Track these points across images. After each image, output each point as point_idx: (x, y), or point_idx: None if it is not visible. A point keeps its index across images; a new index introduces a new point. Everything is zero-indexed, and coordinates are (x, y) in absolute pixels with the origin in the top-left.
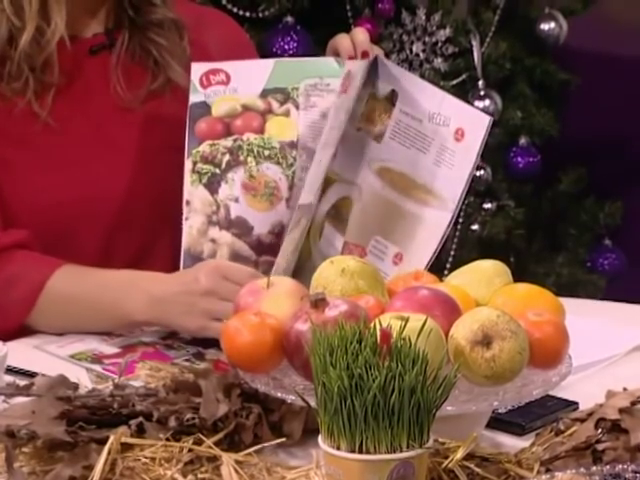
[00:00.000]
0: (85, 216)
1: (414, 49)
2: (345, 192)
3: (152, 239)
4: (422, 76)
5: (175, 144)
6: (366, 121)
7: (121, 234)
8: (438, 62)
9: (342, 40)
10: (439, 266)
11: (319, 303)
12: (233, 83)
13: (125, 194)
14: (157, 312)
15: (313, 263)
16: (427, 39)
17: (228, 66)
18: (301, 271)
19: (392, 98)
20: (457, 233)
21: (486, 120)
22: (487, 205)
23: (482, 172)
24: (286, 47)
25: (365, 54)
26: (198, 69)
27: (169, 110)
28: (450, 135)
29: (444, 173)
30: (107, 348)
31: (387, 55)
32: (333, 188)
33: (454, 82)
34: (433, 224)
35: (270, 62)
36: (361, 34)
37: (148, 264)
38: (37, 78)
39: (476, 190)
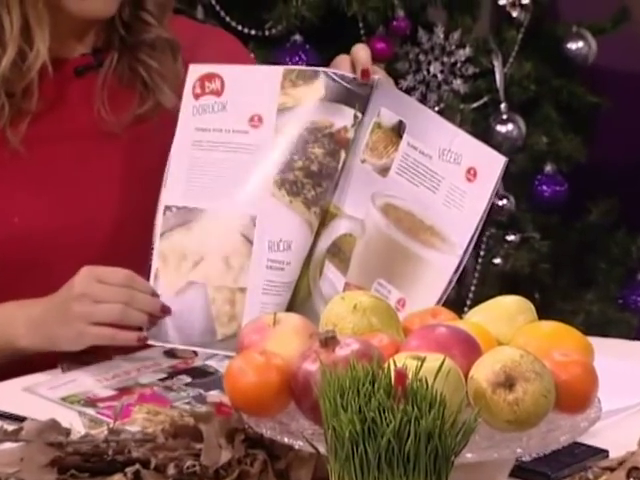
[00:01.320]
0: (62, 247)
1: (432, 69)
2: (347, 228)
3: (135, 271)
4: (440, 98)
5: (161, 172)
6: (370, 153)
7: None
8: (457, 83)
9: (341, 62)
10: (458, 302)
11: (329, 342)
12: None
13: (106, 223)
14: (38, 331)
15: (312, 303)
16: (445, 59)
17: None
18: (300, 311)
19: (399, 129)
20: (478, 267)
21: (501, 161)
22: (510, 237)
23: (505, 202)
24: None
25: (365, 73)
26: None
27: (156, 136)
28: (461, 174)
29: (454, 215)
30: (101, 390)
31: (403, 76)
32: (335, 223)
33: (474, 105)
34: (439, 269)
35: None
36: (362, 51)
37: None
38: (14, 104)
39: (498, 221)
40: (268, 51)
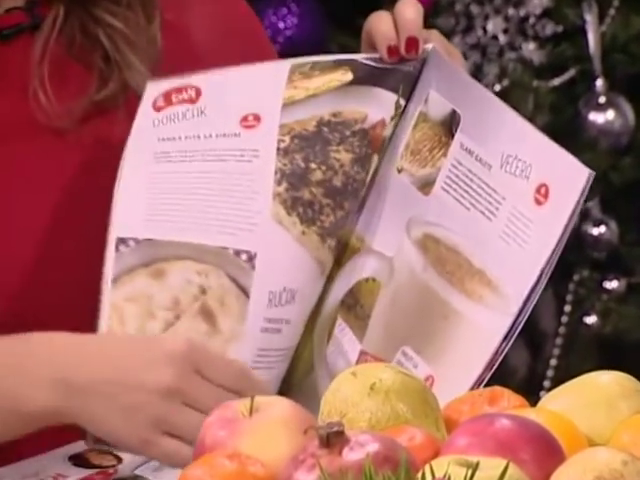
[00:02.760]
0: None
1: (489, 27)
2: (371, 270)
3: (88, 325)
4: (503, 72)
5: None
6: (411, 158)
7: (44, 320)
8: (529, 49)
9: (378, 22)
10: (532, 382)
11: (334, 439)
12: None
13: (48, 264)
14: (70, 405)
15: (315, 379)
16: (511, 11)
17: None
18: (298, 390)
19: (451, 124)
20: (562, 329)
21: (584, 176)
22: (611, 284)
23: (603, 229)
24: (281, 25)
25: (412, 43)
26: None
27: (124, 134)
28: (529, 194)
29: (513, 255)
30: None
31: (446, 37)
32: (355, 262)
33: (556, 82)
34: (483, 334)
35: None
36: (410, 9)
37: None
38: None
39: (593, 259)
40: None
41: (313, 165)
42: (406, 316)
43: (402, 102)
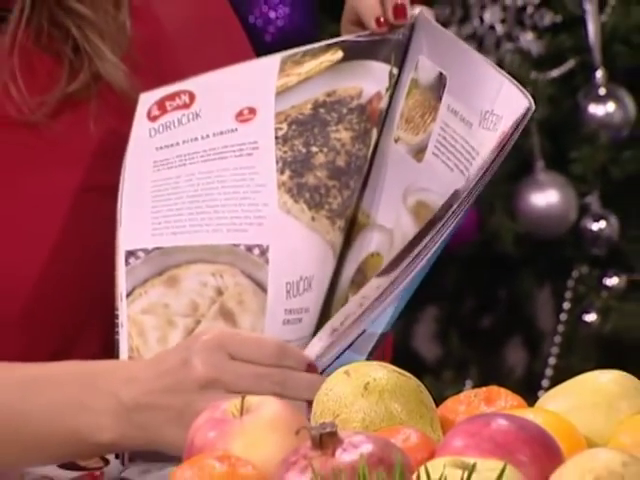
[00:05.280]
0: None
1: (486, 17)
2: (375, 244)
3: (75, 327)
4: (500, 62)
5: (107, 181)
6: (405, 126)
7: (18, 329)
8: (527, 39)
9: None
10: (530, 380)
11: (326, 440)
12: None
13: (26, 264)
14: (131, 426)
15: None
16: (508, 1)
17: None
18: None
19: (439, 87)
20: (560, 327)
21: (523, 105)
22: (611, 280)
23: (602, 225)
24: (272, 15)
25: (399, 11)
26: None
27: (98, 126)
28: (492, 145)
29: None
30: None
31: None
32: (363, 238)
33: (554, 73)
34: None
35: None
36: None
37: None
38: None
39: (592, 256)
40: None
41: (314, 148)
42: None
43: (395, 71)
